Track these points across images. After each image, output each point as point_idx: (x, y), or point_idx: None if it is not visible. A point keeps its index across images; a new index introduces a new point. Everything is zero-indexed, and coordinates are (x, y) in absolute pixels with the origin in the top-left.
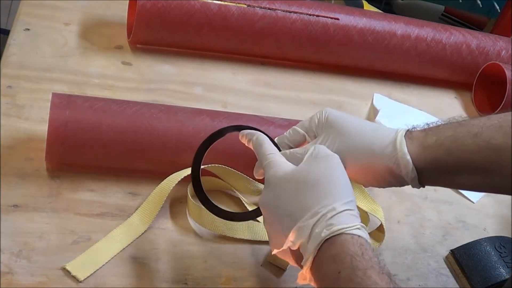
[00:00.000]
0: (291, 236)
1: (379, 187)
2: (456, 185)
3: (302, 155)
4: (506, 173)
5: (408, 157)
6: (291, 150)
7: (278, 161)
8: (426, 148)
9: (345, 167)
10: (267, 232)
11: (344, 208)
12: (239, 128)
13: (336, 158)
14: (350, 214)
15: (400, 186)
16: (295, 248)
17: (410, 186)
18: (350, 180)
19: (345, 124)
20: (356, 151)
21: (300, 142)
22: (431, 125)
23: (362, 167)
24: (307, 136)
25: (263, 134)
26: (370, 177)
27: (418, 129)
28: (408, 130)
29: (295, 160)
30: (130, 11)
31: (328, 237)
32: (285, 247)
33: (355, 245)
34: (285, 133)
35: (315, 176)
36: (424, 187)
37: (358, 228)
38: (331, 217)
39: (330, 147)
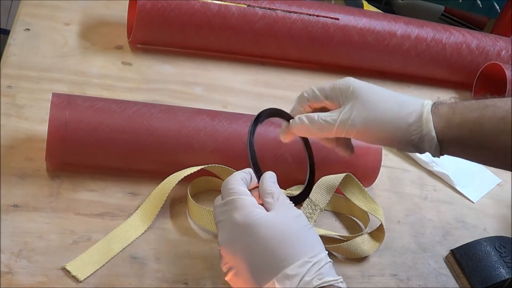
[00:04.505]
0: (274, 284)
1: (397, 150)
2: (477, 160)
3: (334, 120)
4: None
5: (434, 133)
6: (319, 114)
7: (247, 204)
8: (452, 128)
9: (368, 136)
10: (229, 279)
11: (328, 259)
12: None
13: (302, 214)
14: (331, 266)
15: (418, 153)
16: None
17: (410, 186)
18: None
19: (370, 96)
20: (381, 124)
21: (319, 106)
22: (457, 101)
23: (385, 138)
24: (327, 102)
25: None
26: (391, 144)
27: (444, 103)
28: (434, 104)
29: (321, 128)
30: (130, 11)
31: (318, 286)
32: None
33: None
34: (304, 93)
35: (296, 227)
36: (439, 157)
37: (342, 282)
38: (321, 267)
39: (355, 119)
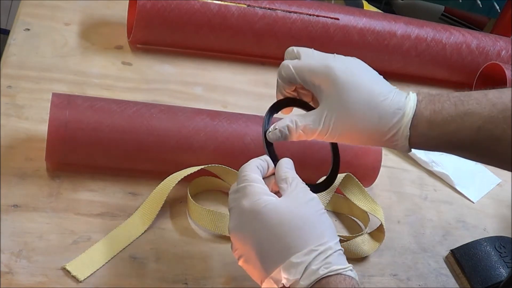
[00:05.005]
0: (279, 272)
1: None
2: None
3: (314, 130)
4: (505, 159)
5: (408, 146)
6: (297, 124)
7: (257, 191)
8: (429, 140)
9: (345, 141)
10: (241, 265)
11: (338, 247)
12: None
13: (316, 198)
14: (341, 254)
15: None
16: (280, 285)
17: (410, 186)
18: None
19: (350, 100)
20: (359, 134)
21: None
22: (436, 109)
23: (362, 143)
24: (303, 85)
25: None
26: (365, 145)
27: (424, 114)
28: (414, 115)
29: (300, 137)
30: (130, 11)
31: (325, 275)
32: (266, 284)
33: (348, 287)
34: (282, 72)
35: (306, 213)
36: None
37: (351, 270)
38: (329, 255)
39: (335, 129)
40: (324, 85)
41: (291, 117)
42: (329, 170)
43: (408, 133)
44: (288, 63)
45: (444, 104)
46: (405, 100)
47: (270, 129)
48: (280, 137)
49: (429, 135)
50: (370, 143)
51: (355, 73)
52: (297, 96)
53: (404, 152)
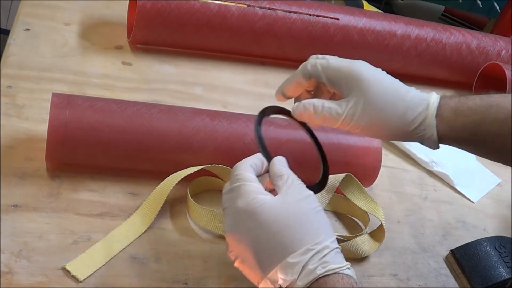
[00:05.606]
0: (276, 272)
1: None
2: (474, 154)
3: (339, 115)
4: None
5: (435, 137)
6: (324, 105)
7: (251, 190)
8: (454, 130)
9: (371, 134)
10: (238, 266)
11: (334, 246)
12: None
13: (312, 195)
14: (338, 252)
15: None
16: (277, 285)
17: (410, 186)
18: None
19: (377, 94)
20: (385, 126)
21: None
22: (461, 100)
23: (387, 137)
24: (327, 83)
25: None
26: (391, 140)
27: (449, 103)
28: (439, 104)
29: (325, 119)
30: (130, 11)
31: (322, 275)
32: (263, 285)
33: (345, 286)
34: (308, 66)
35: (302, 211)
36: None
37: (348, 268)
38: (326, 254)
39: (361, 119)
40: (349, 81)
41: (318, 99)
42: (320, 172)
43: (435, 122)
44: (315, 60)
45: (469, 97)
46: (428, 94)
47: (295, 104)
48: (302, 112)
49: (454, 125)
50: (396, 135)
51: (379, 71)
52: (310, 96)
53: (431, 148)
